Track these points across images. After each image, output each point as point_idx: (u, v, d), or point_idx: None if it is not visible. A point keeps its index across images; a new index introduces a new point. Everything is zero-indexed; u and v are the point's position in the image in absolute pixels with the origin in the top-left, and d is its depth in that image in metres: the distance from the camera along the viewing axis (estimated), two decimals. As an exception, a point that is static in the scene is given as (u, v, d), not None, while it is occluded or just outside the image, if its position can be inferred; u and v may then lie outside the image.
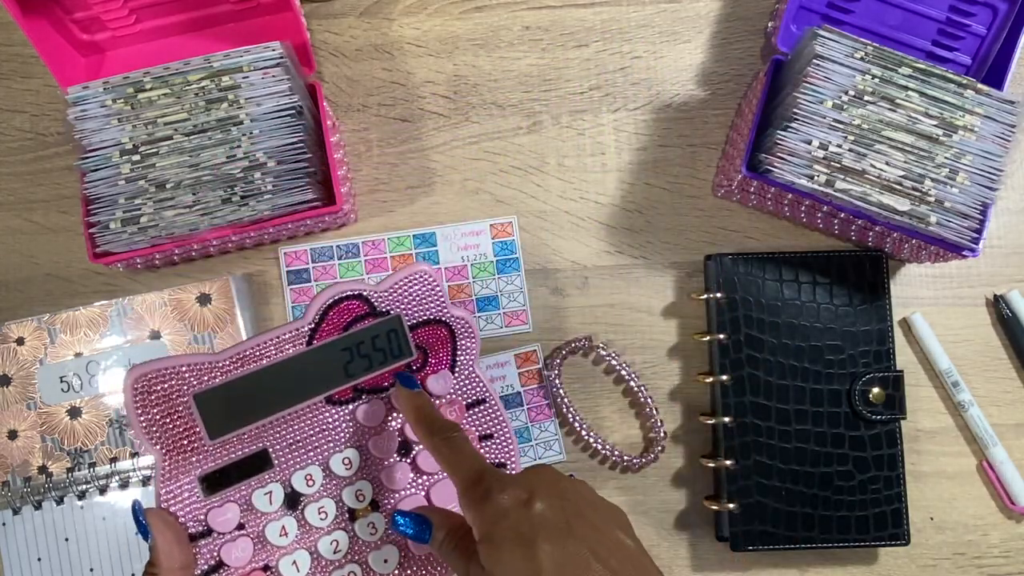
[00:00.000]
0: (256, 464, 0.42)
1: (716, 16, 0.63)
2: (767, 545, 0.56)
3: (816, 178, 0.50)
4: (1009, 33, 0.56)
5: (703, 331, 0.59)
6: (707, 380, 0.58)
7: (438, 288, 0.46)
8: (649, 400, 0.59)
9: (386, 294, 0.44)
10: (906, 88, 0.51)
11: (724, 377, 0.57)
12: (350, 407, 0.44)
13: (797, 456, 0.56)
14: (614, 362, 0.59)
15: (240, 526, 0.41)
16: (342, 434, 0.44)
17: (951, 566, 0.59)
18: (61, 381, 0.57)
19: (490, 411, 0.48)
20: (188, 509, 0.41)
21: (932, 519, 0.59)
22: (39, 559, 0.56)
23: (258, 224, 0.53)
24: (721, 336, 0.57)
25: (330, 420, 0.44)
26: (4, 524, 0.56)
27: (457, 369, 0.47)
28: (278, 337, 0.42)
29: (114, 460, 0.56)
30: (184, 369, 0.40)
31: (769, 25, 0.61)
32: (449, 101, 0.62)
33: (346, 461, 0.44)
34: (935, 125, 0.50)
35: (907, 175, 0.50)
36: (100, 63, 0.59)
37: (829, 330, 0.57)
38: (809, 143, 0.50)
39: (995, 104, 0.51)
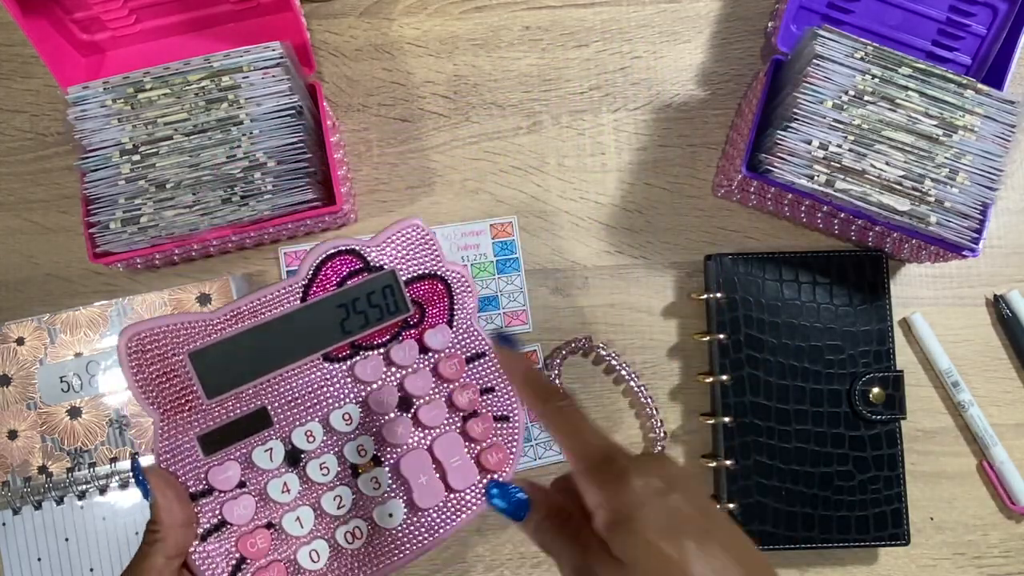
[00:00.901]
0: (255, 422, 0.42)
1: (716, 16, 0.63)
2: (767, 545, 0.56)
3: (816, 178, 0.50)
4: (1009, 33, 0.56)
5: (703, 331, 0.59)
6: (707, 380, 0.58)
7: (432, 241, 0.46)
8: (649, 400, 0.59)
9: (379, 249, 0.45)
10: (906, 88, 0.51)
11: (724, 377, 0.57)
12: (348, 363, 0.44)
13: (797, 456, 0.56)
14: (614, 362, 0.59)
15: (242, 484, 0.42)
16: (341, 390, 0.44)
17: (951, 566, 0.59)
18: (61, 381, 0.57)
19: (490, 364, 0.47)
20: (188, 468, 0.41)
21: (932, 519, 0.59)
22: (39, 559, 0.56)
23: (258, 224, 0.53)
24: (721, 336, 0.57)
25: (328, 377, 0.44)
26: (4, 524, 0.56)
27: (455, 323, 0.47)
28: (272, 294, 0.42)
29: (114, 460, 0.56)
30: (179, 327, 0.40)
31: (769, 25, 0.61)
32: (449, 101, 0.62)
33: (346, 417, 0.44)
34: (935, 125, 0.50)
35: (907, 175, 0.50)
36: (100, 63, 0.59)
37: (829, 330, 0.57)
38: (809, 143, 0.50)
39: (995, 104, 0.51)
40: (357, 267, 0.44)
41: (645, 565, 0.30)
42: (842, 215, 0.53)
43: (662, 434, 0.58)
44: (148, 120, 0.52)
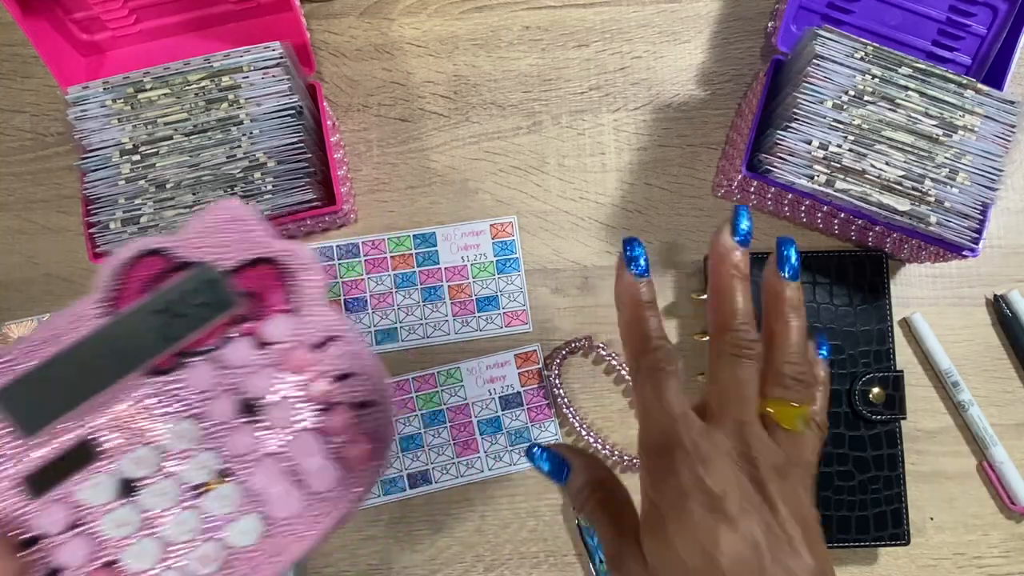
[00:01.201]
0: (80, 456, 0.39)
1: (716, 16, 0.63)
2: (767, 545, 0.56)
3: (816, 178, 0.50)
4: (1009, 33, 0.56)
5: (703, 331, 0.59)
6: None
7: (251, 223, 0.41)
8: (649, 400, 0.59)
9: (188, 243, 0.40)
10: (906, 88, 0.51)
11: (724, 377, 0.57)
12: (174, 374, 0.40)
13: (797, 456, 0.56)
14: (614, 362, 0.59)
15: (73, 525, 0.38)
16: (170, 405, 0.40)
17: (951, 566, 0.59)
18: (61, 381, 0.56)
19: (346, 346, 0.42)
20: (11, 517, 0.37)
21: (932, 519, 0.59)
22: (39, 559, 0.56)
23: (258, 224, 0.53)
24: (721, 336, 0.57)
25: (154, 393, 0.40)
26: None
27: (296, 309, 0.42)
28: (75, 315, 0.38)
29: (114, 460, 0.56)
30: None
31: (769, 25, 0.61)
32: (449, 101, 0.62)
33: (180, 433, 0.39)
34: (935, 125, 0.50)
35: (907, 175, 0.50)
36: (100, 63, 0.59)
37: (829, 330, 0.57)
38: (809, 143, 0.50)
39: (995, 104, 0.51)
40: (167, 267, 0.39)
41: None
42: (842, 215, 0.53)
43: (662, 434, 0.58)
44: (148, 120, 0.52)
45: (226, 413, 0.40)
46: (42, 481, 0.38)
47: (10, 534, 0.37)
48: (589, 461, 0.35)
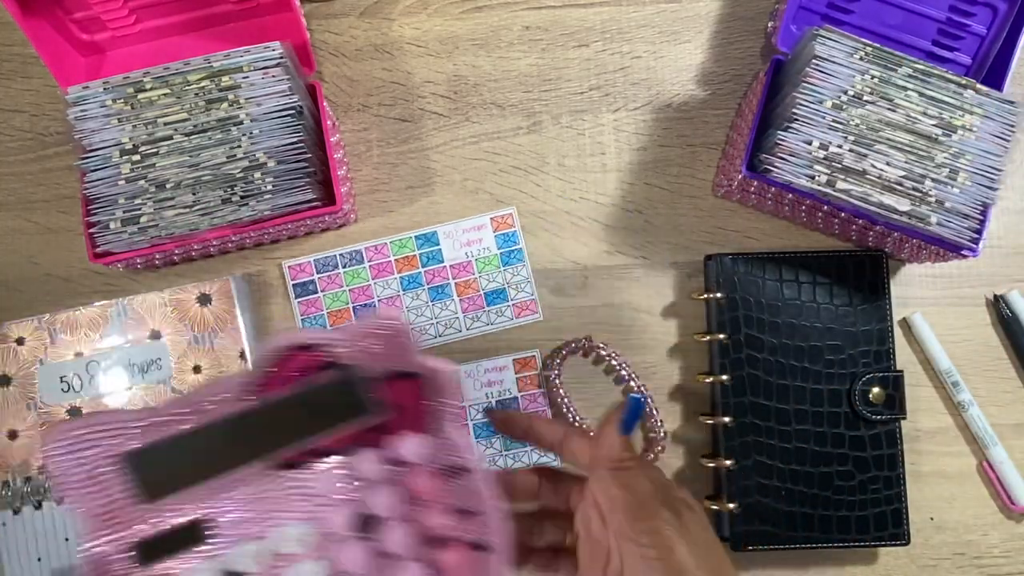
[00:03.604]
0: (189, 535, 0.37)
1: (716, 16, 0.63)
2: (767, 545, 0.56)
3: (816, 178, 0.50)
4: (1009, 33, 0.56)
5: (703, 331, 0.59)
6: (707, 380, 0.58)
7: (408, 337, 0.39)
8: (649, 400, 0.59)
9: (347, 344, 0.39)
10: (905, 88, 0.51)
11: (724, 377, 0.57)
12: (300, 472, 0.39)
13: (797, 456, 0.56)
14: (614, 362, 0.59)
15: None
16: (289, 504, 0.38)
17: (951, 566, 0.59)
18: (61, 381, 0.57)
19: (473, 482, 0.40)
20: None
21: (932, 519, 0.59)
22: (39, 559, 0.56)
23: (258, 224, 0.53)
24: (721, 336, 0.57)
25: (277, 487, 0.38)
26: (4, 524, 0.56)
27: (433, 431, 0.40)
28: (222, 391, 0.37)
29: (114, 460, 0.56)
30: (114, 428, 0.36)
31: (769, 25, 0.61)
32: (449, 101, 0.62)
33: (295, 537, 0.38)
34: (934, 125, 0.50)
35: (907, 175, 0.50)
36: (100, 63, 0.59)
37: (829, 330, 0.57)
38: (809, 143, 0.50)
39: (995, 104, 0.51)
40: (321, 362, 0.38)
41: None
42: (842, 215, 0.53)
43: (662, 434, 0.58)
44: (148, 120, 0.52)
45: (341, 524, 0.38)
46: (152, 552, 0.36)
47: None
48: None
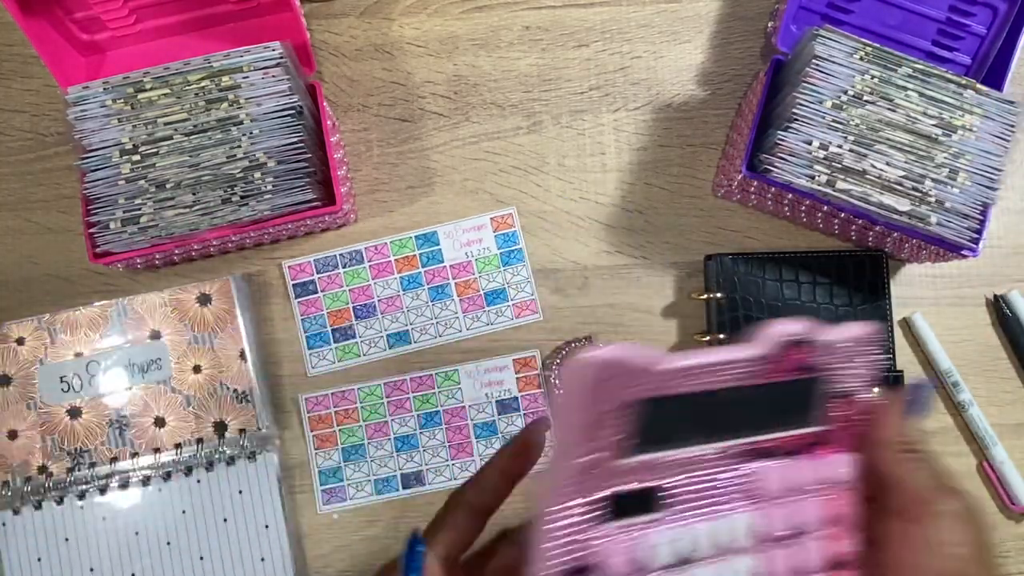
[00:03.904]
0: (641, 501, 0.35)
1: (716, 16, 0.63)
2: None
3: (816, 178, 0.50)
4: (1009, 33, 0.56)
5: (703, 331, 0.59)
6: (707, 380, 0.58)
7: (871, 356, 0.37)
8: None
9: (837, 354, 0.37)
10: (905, 88, 0.51)
11: (724, 377, 0.57)
12: (751, 464, 0.36)
13: (797, 456, 0.56)
14: (614, 362, 0.59)
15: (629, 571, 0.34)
16: (735, 497, 0.36)
17: (951, 566, 0.59)
18: (61, 381, 0.57)
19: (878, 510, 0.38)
20: (568, 533, 0.33)
21: (932, 519, 0.59)
22: (39, 559, 0.56)
23: (258, 224, 0.53)
24: (721, 336, 0.57)
25: (730, 474, 0.36)
26: (4, 524, 0.56)
27: (860, 455, 0.38)
28: (730, 361, 0.35)
29: (114, 460, 0.56)
30: (638, 367, 0.33)
31: (769, 25, 0.61)
32: (449, 101, 0.62)
33: (747, 529, 0.36)
34: (934, 125, 0.50)
35: (907, 175, 0.50)
36: (100, 63, 0.59)
37: (829, 330, 0.57)
38: (809, 143, 0.50)
39: (994, 104, 0.51)
40: (810, 362, 0.37)
41: None
42: (842, 215, 0.53)
43: (663, 434, 0.58)
44: (148, 120, 0.52)
45: (781, 528, 0.36)
46: (622, 508, 0.34)
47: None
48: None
